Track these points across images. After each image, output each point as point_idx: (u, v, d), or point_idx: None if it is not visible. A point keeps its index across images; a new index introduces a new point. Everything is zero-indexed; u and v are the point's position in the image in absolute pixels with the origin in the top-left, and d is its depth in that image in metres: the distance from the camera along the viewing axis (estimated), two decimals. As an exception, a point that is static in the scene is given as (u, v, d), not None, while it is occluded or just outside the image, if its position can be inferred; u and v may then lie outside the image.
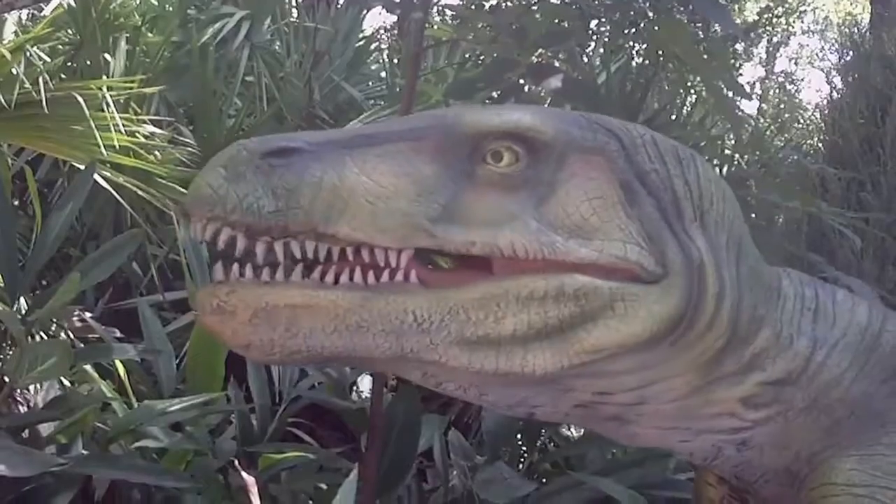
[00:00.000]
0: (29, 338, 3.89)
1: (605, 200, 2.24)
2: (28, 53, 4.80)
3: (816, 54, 26.95)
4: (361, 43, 8.73)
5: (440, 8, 5.63)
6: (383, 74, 8.72)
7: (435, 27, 5.44)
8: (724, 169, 6.76)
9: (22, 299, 4.08)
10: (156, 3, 7.56)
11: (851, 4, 24.79)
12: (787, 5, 23.93)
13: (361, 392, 4.78)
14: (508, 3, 5.65)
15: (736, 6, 20.40)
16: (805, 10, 25.09)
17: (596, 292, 2.17)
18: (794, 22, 24.66)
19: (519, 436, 4.79)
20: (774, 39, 24.15)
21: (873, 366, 2.73)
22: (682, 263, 2.28)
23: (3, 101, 4.39)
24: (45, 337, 4.20)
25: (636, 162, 2.33)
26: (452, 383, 2.30)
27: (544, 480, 4.53)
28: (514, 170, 2.20)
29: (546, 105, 4.28)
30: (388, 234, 2.05)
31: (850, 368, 2.68)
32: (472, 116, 2.25)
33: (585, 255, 2.17)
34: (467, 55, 7.46)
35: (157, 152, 5.25)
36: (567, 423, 2.72)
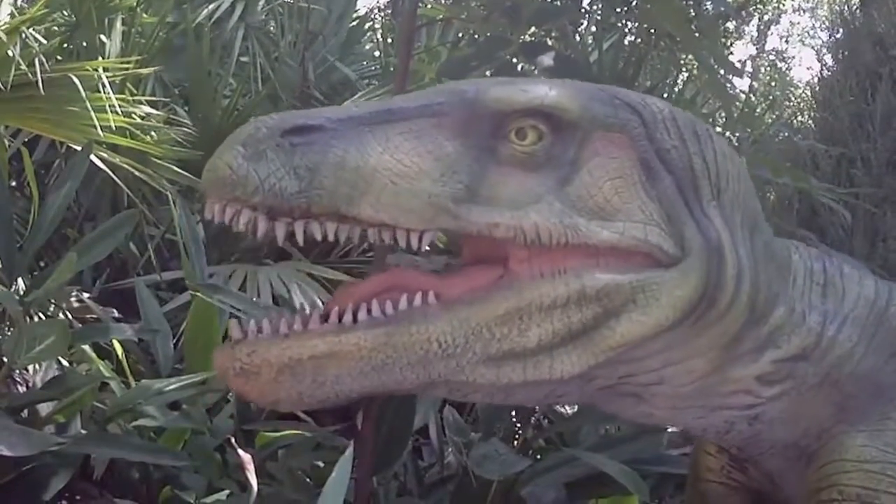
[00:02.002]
0: (27, 318, 3.89)
1: (626, 180, 2.22)
2: (24, 35, 4.79)
3: (807, 32, 26.93)
4: (355, 23, 8.73)
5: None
6: (377, 54, 8.70)
7: (428, 6, 5.42)
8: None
9: (20, 280, 4.10)
10: (151, -16, 7.56)
11: (842, -18, 24.73)
12: (778, -17, 23.94)
13: (357, 370, 4.79)
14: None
15: (728, -17, 20.35)
16: (796, -11, 25.10)
17: (618, 289, 2.16)
18: (785, 0, 24.62)
19: (513, 412, 4.81)
20: (765, 17, 24.12)
21: (881, 340, 2.74)
22: (701, 245, 2.28)
23: (-1, 83, 4.40)
24: (44, 317, 4.21)
25: (656, 139, 2.31)
26: (479, 394, 2.29)
27: (538, 456, 4.55)
28: (538, 148, 2.17)
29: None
30: (412, 215, 2.02)
31: (860, 343, 2.69)
32: (496, 92, 2.20)
33: (607, 238, 2.17)
34: (460, 34, 7.44)
35: (153, 133, 5.26)
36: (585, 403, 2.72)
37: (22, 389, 3.92)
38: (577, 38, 7.31)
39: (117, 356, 4.29)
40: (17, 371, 3.86)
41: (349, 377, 2.01)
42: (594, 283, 2.14)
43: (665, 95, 7.28)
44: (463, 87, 2.24)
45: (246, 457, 3.24)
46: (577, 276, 2.14)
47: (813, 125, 8.92)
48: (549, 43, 5.56)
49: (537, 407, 4.73)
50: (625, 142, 2.26)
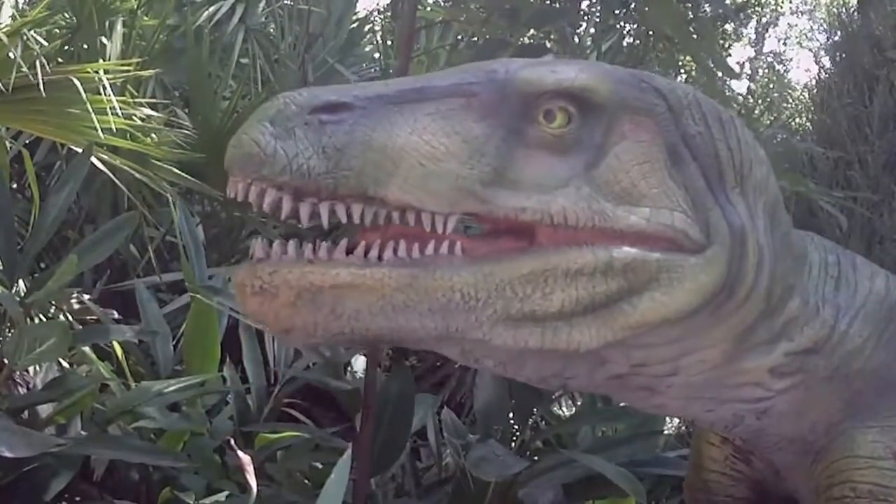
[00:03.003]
0: (28, 320, 3.90)
1: (653, 165, 2.20)
2: (25, 37, 4.79)
3: (805, 34, 26.88)
4: (355, 25, 8.73)
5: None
6: (377, 56, 8.70)
7: (427, 8, 5.44)
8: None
9: (20, 281, 4.12)
10: (151, -14, 7.58)
11: (839, -15, 24.76)
12: (777, -15, 23.92)
13: (356, 372, 4.82)
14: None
15: (726, -14, 20.36)
16: (794, -9, 25.07)
17: (644, 265, 2.14)
18: (783, 2, 24.58)
19: (511, 414, 4.83)
20: (763, 20, 24.08)
21: (891, 336, 2.76)
22: (725, 232, 2.26)
23: (0, 84, 4.41)
24: (44, 319, 4.21)
25: (682, 124, 2.30)
26: (491, 359, 2.25)
27: (536, 458, 4.56)
28: (567, 131, 2.14)
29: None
30: (438, 197, 1.98)
31: (871, 338, 2.70)
32: (526, 74, 2.16)
33: (634, 224, 2.14)
34: (459, 36, 7.45)
35: (153, 135, 5.26)
36: (596, 394, 2.66)
37: (22, 391, 3.93)
38: (576, 39, 7.33)
39: (117, 358, 4.30)
40: (18, 372, 3.87)
41: (368, 313, 1.95)
42: (622, 255, 2.11)
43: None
44: (493, 67, 2.20)
45: (245, 458, 3.25)
46: (606, 248, 2.12)
47: (811, 127, 8.92)
48: (548, 45, 5.57)
49: (535, 409, 4.75)
50: (652, 126, 2.24)
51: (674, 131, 2.27)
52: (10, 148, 5.36)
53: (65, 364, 4.16)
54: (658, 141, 2.23)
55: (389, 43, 8.67)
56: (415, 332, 2.02)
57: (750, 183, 2.40)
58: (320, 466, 4.21)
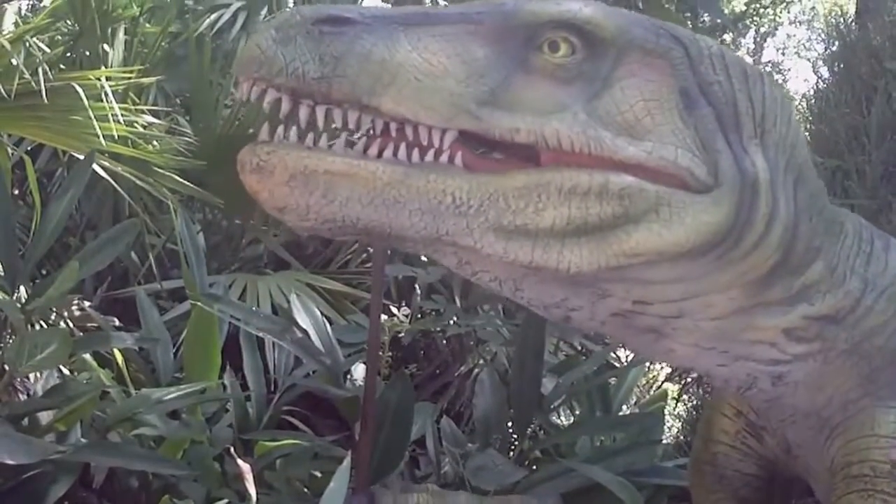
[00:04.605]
0: (29, 326, 3.92)
1: (662, 104, 2.21)
2: (28, 44, 4.82)
3: (803, 44, 26.86)
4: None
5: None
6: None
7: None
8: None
9: (22, 288, 4.12)
10: (154, -6, 7.59)
11: (837, -5, 24.81)
12: (774, -5, 23.92)
13: (355, 380, 4.82)
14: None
15: (724, -4, 20.38)
16: (792, 1, 24.95)
17: (641, 194, 2.14)
18: (781, 12, 24.55)
19: (509, 423, 4.84)
20: (762, 30, 24.04)
21: None
22: (736, 177, 2.25)
23: (2, 91, 4.41)
24: (45, 325, 4.22)
25: (699, 72, 2.30)
26: (487, 274, 2.27)
27: (534, 467, 4.58)
28: (570, 62, 2.16)
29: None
30: (432, 111, 2.03)
31: (895, 317, 2.68)
32: (532, 4, 2.20)
33: (633, 154, 2.15)
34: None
35: (154, 142, 5.28)
36: (604, 334, 2.61)
37: (23, 397, 3.93)
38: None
39: (118, 365, 4.31)
40: (19, 379, 3.87)
41: (359, 203, 2.03)
42: (619, 180, 2.12)
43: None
44: (503, 1, 2.24)
45: (245, 466, 3.26)
46: (604, 172, 2.12)
47: (809, 137, 8.93)
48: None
49: (534, 418, 4.76)
50: (665, 68, 2.24)
51: (690, 77, 2.28)
52: (12, 154, 5.37)
53: (65, 371, 4.17)
54: (670, 83, 2.24)
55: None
56: (404, 230, 2.08)
57: (771, 137, 2.39)
58: (320, 475, 4.20)
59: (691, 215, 2.18)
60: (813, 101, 8.63)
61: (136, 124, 5.08)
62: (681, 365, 3.00)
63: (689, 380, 6.99)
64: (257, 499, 3.19)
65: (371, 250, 5.69)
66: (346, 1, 6.34)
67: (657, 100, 2.21)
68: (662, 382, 7.68)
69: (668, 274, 2.28)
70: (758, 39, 24.17)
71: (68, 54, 5.94)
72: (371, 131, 2.07)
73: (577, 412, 5.73)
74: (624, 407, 5.65)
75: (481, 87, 2.08)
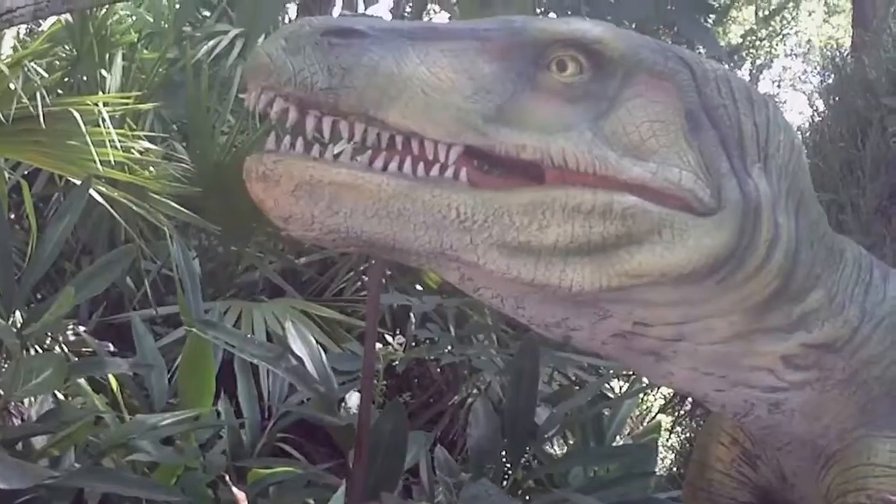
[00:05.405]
0: (24, 351, 3.91)
1: (668, 126, 2.21)
2: (26, 69, 4.84)
3: (799, 77, 26.93)
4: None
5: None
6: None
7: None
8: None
9: (17, 313, 4.13)
10: (151, 20, 7.61)
11: (833, 28, 24.89)
12: (770, 28, 23.96)
13: (349, 408, 4.82)
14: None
15: (720, 29, 20.44)
16: (788, 34, 25.10)
17: (645, 215, 2.14)
18: (777, 45, 24.67)
19: (503, 453, 4.83)
20: (758, 62, 24.12)
21: None
22: (738, 200, 2.25)
23: (0, 115, 4.43)
24: (40, 350, 4.23)
25: (705, 94, 2.30)
26: (490, 290, 2.27)
27: (528, 497, 4.58)
28: (577, 81, 2.17)
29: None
30: (438, 126, 2.04)
31: (893, 347, 2.67)
32: (541, 23, 2.22)
33: (638, 175, 2.15)
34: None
35: (151, 168, 5.30)
36: (604, 355, 2.59)
37: (17, 422, 3.93)
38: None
39: (112, 390, 4.31)
40: (13, 403, 3.87)
41: (363, 215, 2.03)
42: (623, 200, 2.12)
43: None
44: (512, 19, 2.27)
45: (238, 493, 3.26)
46: (608, 192, 2.13)
47: (804, 170, 8.95)
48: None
49: (528, 448, 4.76)
50: (671, 90, 2.25)
51: (695, 99, 2.28)
52: (9, 178, 5.38)
53: (60, 396, 4.16)
54: (676, 105, 2.24)
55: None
56: (408, 244, 2.08)
57: (775, 162, 2.39)
58: (313, 503, 4.19)
59: (694, 237, 2.19)
60: (808, 133, 8.63)
61: (132, 150, 5.09)
62: (680, 389, 2.97)
63: (682, 412, 6.98)
64: (251, 526, 3.19)
65: (366, 279, 5.69)
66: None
67: (663, 121, 2.22)
68: (656, 414, 7.68)
69: (669, 296, 2.28)
70: (753, 72, 24.23)
71: (66, 79, 5.97)
72: (377, 144, 2.07)
73: (571, 442, 5.73)
74: (618, 438, 5.65)
75: (488, 104, 2.09)
